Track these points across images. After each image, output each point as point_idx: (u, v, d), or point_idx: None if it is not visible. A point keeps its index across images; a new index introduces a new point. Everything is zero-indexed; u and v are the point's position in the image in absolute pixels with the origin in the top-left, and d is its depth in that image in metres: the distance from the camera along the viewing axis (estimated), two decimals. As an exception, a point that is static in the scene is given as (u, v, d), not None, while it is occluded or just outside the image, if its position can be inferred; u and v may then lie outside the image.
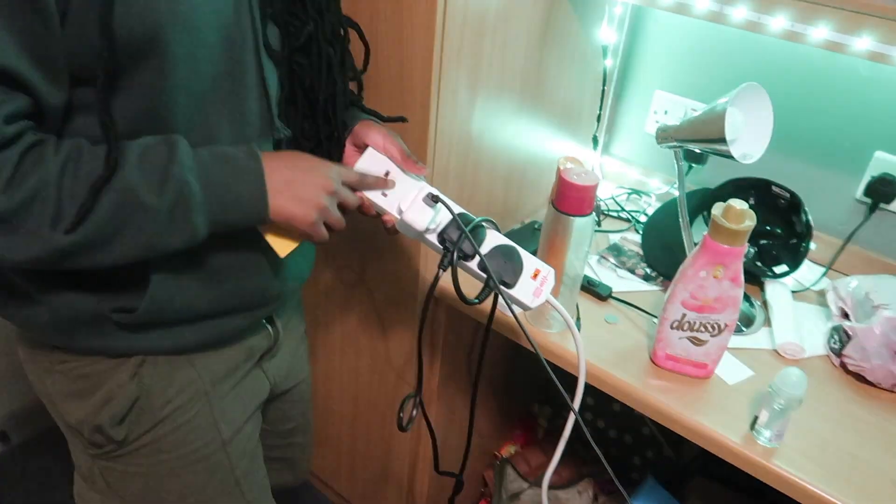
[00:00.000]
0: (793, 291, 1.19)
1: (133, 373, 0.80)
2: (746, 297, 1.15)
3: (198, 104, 0.70)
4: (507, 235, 0.86)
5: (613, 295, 1.16)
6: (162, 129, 0.68)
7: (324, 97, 0.83)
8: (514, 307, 0.84)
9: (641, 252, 1.26)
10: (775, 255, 1.21)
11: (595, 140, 1.45)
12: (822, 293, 1.19)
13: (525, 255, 0.85)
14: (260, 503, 1.00)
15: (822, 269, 1.25)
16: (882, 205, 1.21)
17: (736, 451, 0.90)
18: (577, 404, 0.88)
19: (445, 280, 0.82)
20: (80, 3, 0.59)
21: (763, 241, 1.23)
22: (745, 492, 1.29)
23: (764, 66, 1.26)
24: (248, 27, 0.73)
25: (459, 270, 0.83)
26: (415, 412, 0.97)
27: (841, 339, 1.05)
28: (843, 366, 1.04)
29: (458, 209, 0.83)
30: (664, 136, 1.10)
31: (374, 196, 0.85)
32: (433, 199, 0.83)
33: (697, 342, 0.97)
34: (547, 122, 1.30)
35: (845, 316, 1.10)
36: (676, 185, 1.12)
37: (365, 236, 1.21)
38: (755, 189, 1.21)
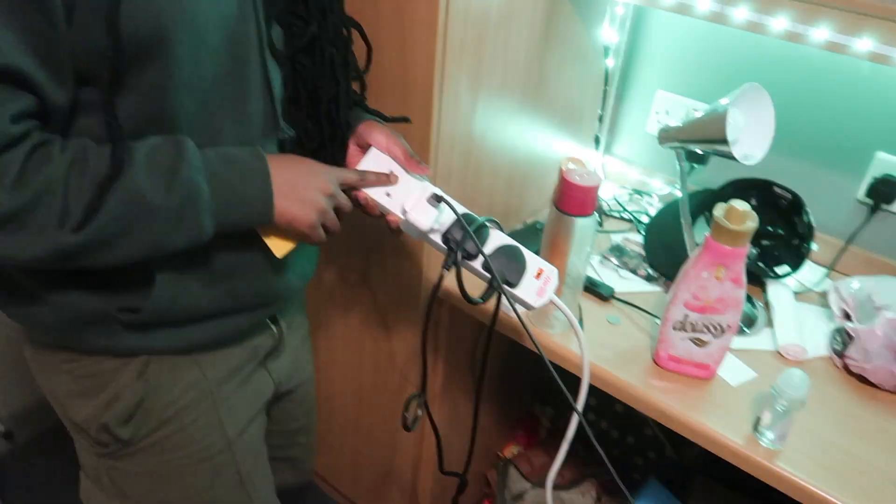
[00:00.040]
0: (795, 292, 1.19)
1: (139, 372, 0.80)
2: (748, 298, 1.15)
3: (202, 104, 0.71)
4: (510, 236, 0.86)
5: (616, 295, 1.16)
6: (166, 128, 0.69)
7: (327, 97, 0.84)
8: (518, 307, 0.84)
9: (643, 252, 1.26)
10: (777, 255, 1.21)
11: (597, 140, 1.45)
12: (824, 294, 1.19)
13: (528, 254, 0.85)
14: (264, 503, 1.00)
15: (824, 270, 1.25)
16: (884, 206, 1.21)
17: (739, 452, 0.90)
18: (580, 405, 0.89)
19: (448, 280, 0.82)
20: (85, 3, 0.59)
21: (765, 242, 1.23)
22: (747, 493, 1.29)
23: (765, 66, 1.26)
24: (252, 28, 0.73)
25: (463, 270, 0.83)
26: (419, 412, 0.97)
27: (843, 340, 1.05)
28: (846, 367, 1.04)
29: (461, 209, 0.84)
30: (666, 136, 1.11)
31: (378, 196, 0.85)
32: (437, 199, 0.84)
33: (700, 343, 0.97)
34: (549, 122, 1.30)
35: (847, 317, 1.10)
36: (678, 186, 1.12)
37: (368, 236, 1.21)
38: (757, 189, 1.21)
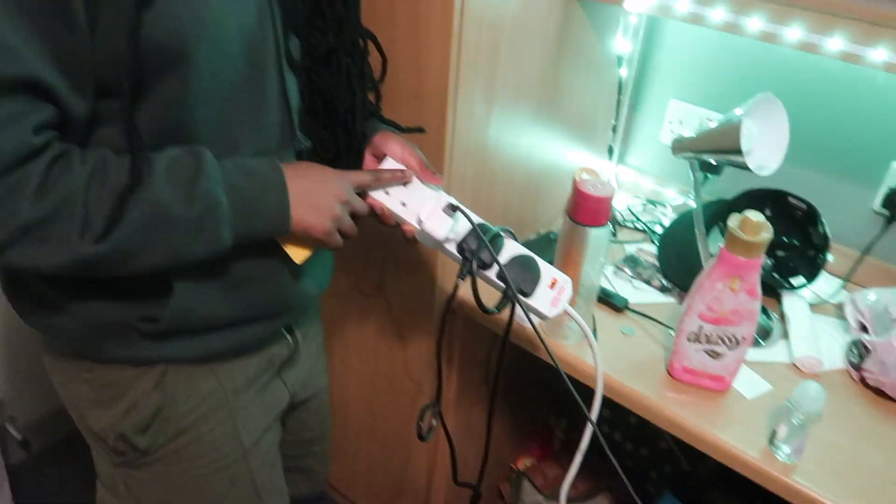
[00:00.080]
0: (810, 304, 1.18)
1: (156, 382, 0.81)
2: (763, 310, 1.14)
3: (220, 115, 0.72)
4: (524, 246, 0.87)
5: (629, 306, 1.15)
6: (185, 139, 0.70)
7: (343, 108, 0.84)
8: (532, 317, 0.84)
9: (657, 263, 1.26)
10: (792, 266, 1.20)
11: (610, 150, 1.45)
12: (840, 306, 1.18)
13: (542, 264, 0.85)
14: None
15: (840, 282, 1.24)
16: (900, 216, 1.20)
17: (755, 466, 0.89)
18: (594, 416, 0.88)
19: (462, 290, 0.82)
20: (108, 16, 0.60)
21: (780, 253, 1.22)
22: (763, 506, 1.27)
23: (780, 75, 1.25)
24: (270, 39, 0.74)
25: (477, 280, 0.83)
26: (434, 422, 0.97)
27: (859, 352, 1.04)
28: (863, 380, 1.03)
29: (477, 219, 0.84)
30: (680, 146, 1.11)
31: (393, 205, 0.85)
32: (452, 209, 0.84)
33: (714, 355, 0.96)
34: (562, 131, 1.30)
35: (864, 329, 1.09)
36: (692, 196, 1.12)
37: (383, 246, 1.22)
38: (771, 200, 1.20)
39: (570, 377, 1.01)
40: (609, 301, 1.15)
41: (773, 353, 1.08)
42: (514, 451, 1.64)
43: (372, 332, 1.35)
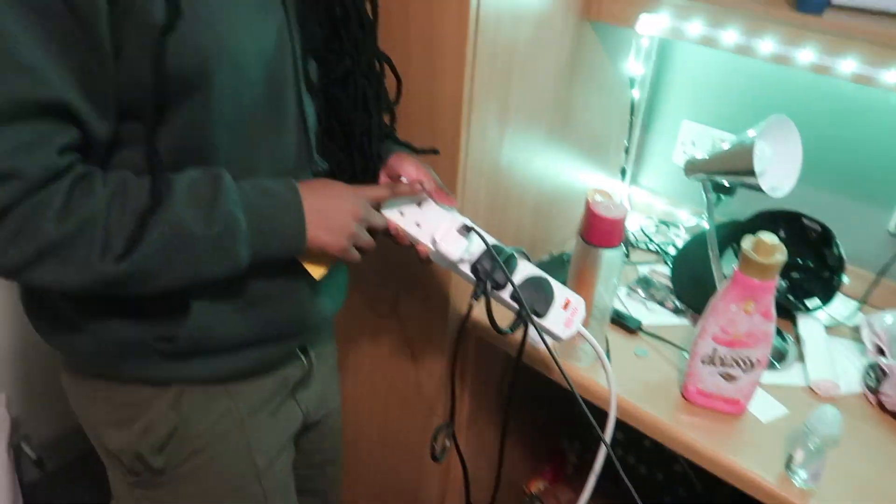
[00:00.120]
0: (826, 326, 1.17)
1: (173, 402, 0.81)
2: (778, 332, 1.13)
3: (240, 137, 0.73)
4: (537, 267, 0.87)
5: (643, 328, 1.15)
6: (204, 161, 0.71)
7: (360, 130, 0.85)
8: (546, 338, 0.84)
9: (671, 285, 1.25)
10: (807, 288, 1.19)
11: (623, 171, 1.46)
12: (856, 329, 1.17)
13: (556, 285, 0.85)
14: None
15: (856, 304, 1.23)
16: (917, 238, 1.19)
17: (772, 491, 0.88)
18: (608, 438, 0.88)
19: (475, 311, 0.82)
20: (133, 41, 0.62)
21: (794, 275, 1.21)
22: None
23: (793, 95, 1.25)
24: (289, 63, 0.76)
25: (491, 300, 0.83)
26: (447, 443, 0.97)
27: (877, 376, 1.03)
28: (880, 404, 1.02)
29: (491, 240, 0.84)
30: (692, 168, 1.11)
31: (408, 226, 0.86)
32: (466, 230, 0.85)
33: (729, 378, 0.96)
34: (575, 153, 1.31)
35: (881, 352, 1.08)
36: (705, 217, 1.12)
37: (397, 267, 1.22)
38: (785, 221, 1.20)
39: (583, 399, 1.00)
40: (622, 323, 1.15)
41: (789, 376, 1.07)
42: (526, 474, 1.63)
43: (385, 352, 1.35)
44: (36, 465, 1.77)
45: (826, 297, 1.15)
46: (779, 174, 1.00)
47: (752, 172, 0.96)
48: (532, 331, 0.84)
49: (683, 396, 1.01)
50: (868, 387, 1.04)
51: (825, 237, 1.16)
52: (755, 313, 0.90)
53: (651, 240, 1.40)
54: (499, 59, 1.01)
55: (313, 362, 0.98)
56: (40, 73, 0.58)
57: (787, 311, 1.18)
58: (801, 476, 0.88)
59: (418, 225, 0.86)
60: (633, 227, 1.44)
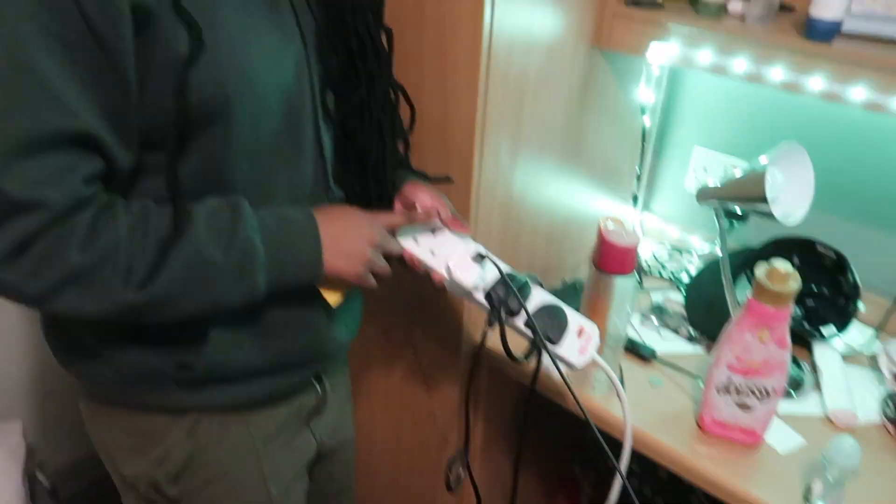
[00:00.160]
0: (843, 354, 1.15)
1: (189, 430, 0.82)
2: (794, 360, 1.12)
3: (259, 167, 0.74)
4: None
5: (657, 356, 1.14)
6: (223, 188, 0.72)
7: (375, 158, 0.86)
8: (559, 365, 0.83)
9: (685, 312, 1.25)
10: (823, 316, 1.18)
11: (635, 198, 1.46)
12: (873, 357, 1.15)
13: (570, 312, 0.85)
14: None
15: (873, 331, 1.21)
16: (933, 265, 1.18)
17: (789, 522, 0.87)
18: (623, 469, 0.87)
19: (488, 339, 0.82)
20: (157, 74, 0.63)
21: (809, 302, 1.20)
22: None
23: (805, 121, 1.25)
24: (307, 93, 0.77)
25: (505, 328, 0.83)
26: (462, 472, 0.96)
27: (895, 405, 1.01)
28: (900, 433, 1.00)
29: (505, 267, 0.85)
30: (704, 195, 1.11)
31: (422, 254, 0.86)
32: (480, 258, 0.85)
33: (745, 407, 0.94)
34: (587, 180, 1.31)
35: (900, 380, 1.06)
36: (718, 244, 1.11)
37: (411, 294, 1.22)
38: (799, 248, 1.19)
39: (598, 428, 0.99)
40: (636, 351, 1.14)
41: (806, 405, 1.06)
42: (540, 503, 1.61)
43: (398, 379, 1.35)
44: (50, 495, 1.77)
45: (842, 325, 1.14)
46: (791, 201, 1.00)
47: (764, 199, 0.96)
48: (546, 358, 0.83)
49: (699, 426, 1.00)
50: (887, 416, 1.02)
51: (840, 264, 1.16)
52: (770, 341, 0.89)
53: (664, 267, 1.40)
54: (511, 88, 1.02)
55: (328, 390, 0.97)
56: (69, 105, 0.60)
57: (803, 339, 1.17)
58: (820, 508, 0.86)
59: (433, 252, 0.86)
60: (645, 253, 1.44)
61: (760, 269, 0.88)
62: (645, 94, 1.33)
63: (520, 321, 0.83)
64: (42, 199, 0.60)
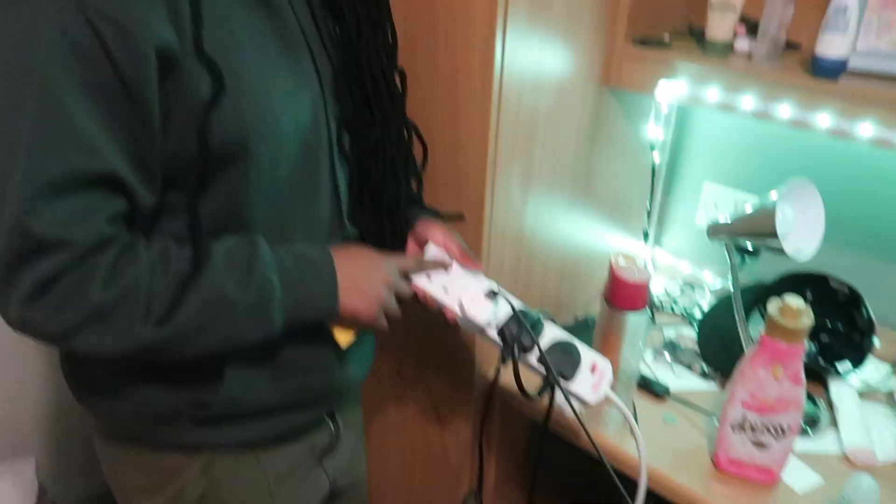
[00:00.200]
0: (859, 391, 1.14)
1: (203, 468, 0.82)
2: (809, 397, 1.11)
3: (276, 206, 0.75)
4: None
5: (670, 393, 1.13)
6: (241, 228, 0.73)
7: (389, 197, 0.88)
8: (573, 402, 0.83)
9: (697, 348, 1.24)
10: (837, 351, 1.17)
11: (646, 234, 1.46)
12: (890, 394, 1.14)
13: (583, 348, 0.85)
14: None
15: (889, 367, 1.20)
16: (948, 300, 1.17)
17: (810, 564, 0.85)
18: (637, 508, 0.86)
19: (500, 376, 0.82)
20: (179, 116, 0.65)
21: (824, 338, 1.19)
22: None
23: (815, 156, 1.26)
24: (324, 134, 0.79)
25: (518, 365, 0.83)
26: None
27: (915, 442, 1.00)
28: (920, 471, 0.99)
29: (517, 303, 0.85)
30: (715, 231, 1.11)
31: (435, 291, 0.87)
32: (492, 294, 0.85)
33: (760, 446, 0.93)
34: (598, 216, 1.32)
35: (918, 417, 1.05)
36: (730, 279, 1.11)
37: (423, 331, 1.23)
38: (812, 283, 1.19)
39: (612, 467, 0.98)
40: (649, 387, 1.13)
41: (823, 443, 1.04)
42: (553, 543, 1.58)
43: (410, 416, 1.35)
44: (62, 534, 1.76)
45: (857, 361, 1.13)
46: (802, 237, 1.00)
47: (774, 235, 0.96)
48: (559, 395, 0.83)
49: (714, 465, 0.99)
50: (906, 454, 1.01)
51: (854, 299, 1.15)
52: (784, 378, 0.88)
53: (676, 302, 1.39)
54: (521, 127, 1.03)
55: (340, 428, 0.97)
56: (95, 147, 0.61)
57: (818, 376, 1.16)
58: (840, 549, 0.85)
59: (445, 290, 0.87)
60: (657, 289, 1.44)
61: (773, 306, 0.88)
62: (654, 131, 1.34)
63: (533, 358, 0.83)
64: (67, 239, 0.61)
